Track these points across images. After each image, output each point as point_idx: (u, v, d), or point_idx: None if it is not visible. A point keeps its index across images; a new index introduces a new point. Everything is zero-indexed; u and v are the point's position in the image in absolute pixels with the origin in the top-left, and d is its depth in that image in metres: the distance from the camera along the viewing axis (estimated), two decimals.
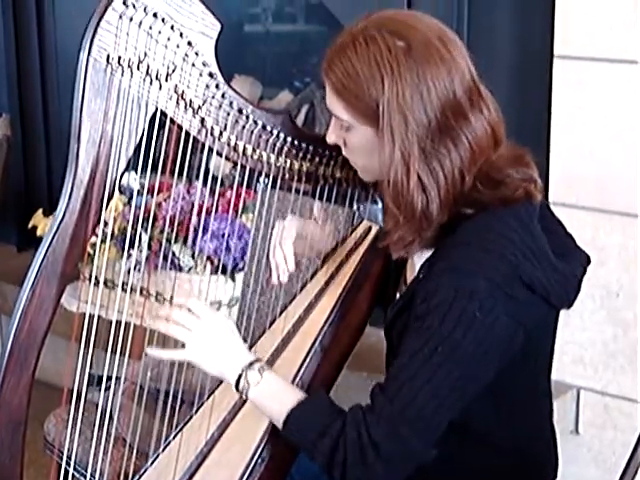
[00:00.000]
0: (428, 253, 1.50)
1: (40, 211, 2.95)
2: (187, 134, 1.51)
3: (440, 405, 1.40)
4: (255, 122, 1.55)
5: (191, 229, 2.59)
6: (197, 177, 1.59)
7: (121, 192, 2.72)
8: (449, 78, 1.42)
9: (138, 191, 2.61)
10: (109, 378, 1.91)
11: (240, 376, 1.49)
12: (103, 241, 1.90)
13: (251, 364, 1.50)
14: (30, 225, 2.93)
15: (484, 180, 1.45)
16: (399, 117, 1.40)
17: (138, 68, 1.43)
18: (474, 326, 1.38)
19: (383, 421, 1.40)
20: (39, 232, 2.87)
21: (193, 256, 2.61)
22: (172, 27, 1.44)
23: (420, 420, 1.39)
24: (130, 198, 2.70)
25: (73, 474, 1.86)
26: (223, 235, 2.58)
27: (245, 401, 1.59)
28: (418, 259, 1.55)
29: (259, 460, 1.52)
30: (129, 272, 2.50)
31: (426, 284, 1.44)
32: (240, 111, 1.54)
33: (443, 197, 1.43)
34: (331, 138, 1.53)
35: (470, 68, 1.45)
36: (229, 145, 1.54)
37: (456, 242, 1.44)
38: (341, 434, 1.41)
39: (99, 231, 1.54)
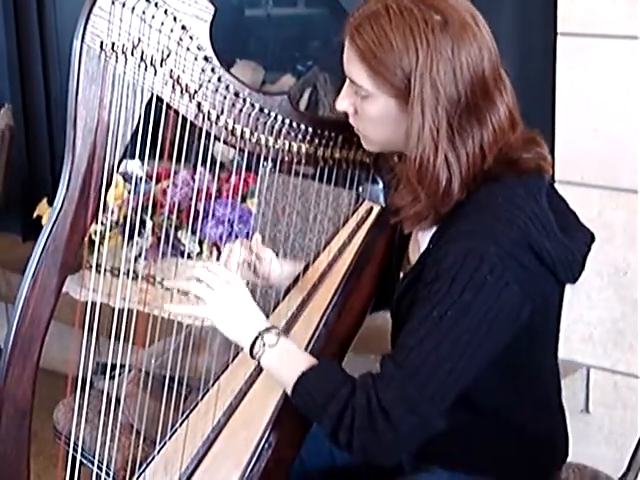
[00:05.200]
0: (433, 229, 1.49)
1: (45, 200, 2.96)
2: (186, 119, 1.51)
3: (449, 371, 1.38)
4: (252, 105, 1.54)
5: (195, 215, 2.59)
6: (201, 163, 1.59)
7: (125, 180, 2.72)
8: (480, 56, 1.41)
9: (141, 178, 2.61)
10: (115, 366, 1.91)
11: (256, 338, 1.49)
12: (108, 229, 1.90)
13: (268, 329, 1.50)
14: (35, 215, 2.94)
15: (502, 160, 1.45)
16: (431, 91, 1.39)
17: (132, 54, 1.42)
18: (484, 289, 1.37)
19: (392, 386, 1.38)
20: (44, 221, 2.88)
21: (198, 242, 2.61)
22: (165, 11, 1.43)
23: (429, 385, 1.38)
24: (134, 185, 2.70)
25: (81, 462, 1.86)
26: (227, 220, 2.58)
27: (251, 386, 1.59)
28: (422, 237, 1.54)
29: (266, 445, 1.52)
30: (134, 259, 2.50)
31: (436, 252, 1.42)
32: (237, 94, 1.53)
33: (464, 175, 1.43)
34: (342, 104, 1.50)
35: (495, 50, 1.45)
36: (227, 129, 1.53)
37: (465, 210, 1.44)
38: (350, 398, 1.40)
39: (103, 219, 1.53)
